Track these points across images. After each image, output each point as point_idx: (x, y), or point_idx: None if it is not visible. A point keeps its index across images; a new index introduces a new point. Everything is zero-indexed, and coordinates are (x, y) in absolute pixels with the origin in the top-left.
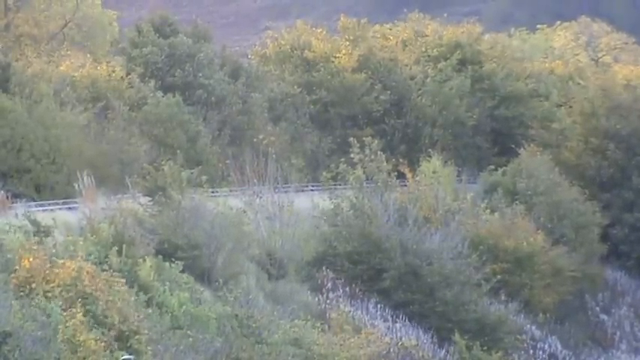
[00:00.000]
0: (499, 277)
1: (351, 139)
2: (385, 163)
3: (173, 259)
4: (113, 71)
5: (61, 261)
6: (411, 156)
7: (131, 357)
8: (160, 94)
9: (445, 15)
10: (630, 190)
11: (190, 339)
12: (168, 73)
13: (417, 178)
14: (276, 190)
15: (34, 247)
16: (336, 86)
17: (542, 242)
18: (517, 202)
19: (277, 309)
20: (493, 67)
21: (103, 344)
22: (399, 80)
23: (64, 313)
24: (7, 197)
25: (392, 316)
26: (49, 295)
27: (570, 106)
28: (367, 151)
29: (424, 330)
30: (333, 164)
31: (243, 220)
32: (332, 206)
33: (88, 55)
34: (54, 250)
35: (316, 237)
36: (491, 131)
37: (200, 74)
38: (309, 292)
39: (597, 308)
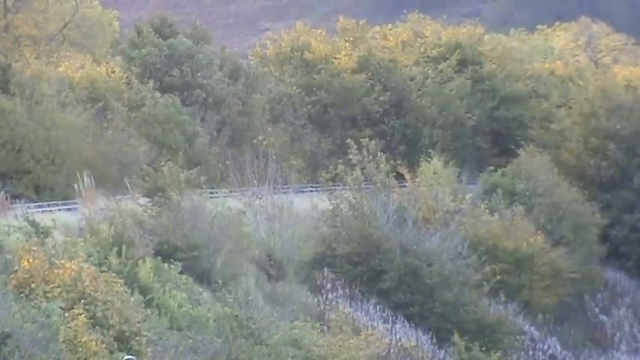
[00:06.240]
0: (498, 277)
1: (349, 140)
2: (384, 164)
3: (172, 260)
4: (112, 72)
5: (61, 262)
6: (410, 157)
7: (133, 357)
8: (158, 94)
9: (445, 16)
10: (630, 191)
11: (190, 340)
12: (167, 74)
13: (417, 179)
14: (276, 191)
15: (34, 248)
16: (335, 87)
17: (542, 243)
18: (517, 202)
19: (276, 310)
20: (493, 68)
21: (103, 345)
22: (399, 81)
23: (65, 314)
24: (7, 198)
25: (391, 317)
26: (49, 295)
27: (570, 107)
28: (365, 152)
29: (423, 331)
30: (333, 165)
31: (242, 221)
32: (331, 207)
33: (88, 56)
34: (53, 251)
35: (315, 238)
36: (491, 132)
37: (199, 75)
38: (308, 293)
39: (597, 309)
